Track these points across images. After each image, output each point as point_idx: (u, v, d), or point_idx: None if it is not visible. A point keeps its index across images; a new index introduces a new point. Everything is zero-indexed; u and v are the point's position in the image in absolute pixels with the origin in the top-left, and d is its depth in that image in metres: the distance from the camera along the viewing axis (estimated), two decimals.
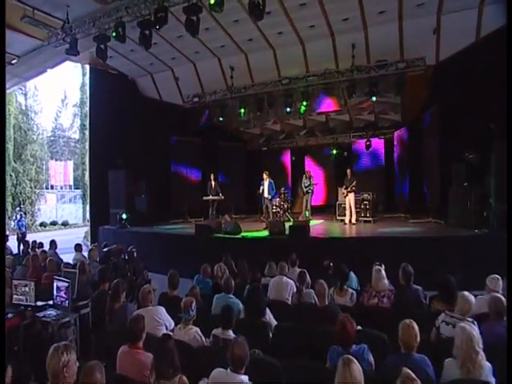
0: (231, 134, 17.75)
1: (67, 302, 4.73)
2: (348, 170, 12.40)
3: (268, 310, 4.24)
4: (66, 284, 4.69)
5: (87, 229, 17.63)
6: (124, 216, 12.71)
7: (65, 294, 4.71)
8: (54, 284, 4.88)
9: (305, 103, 12.61)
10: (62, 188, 37.40)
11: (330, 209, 16.68)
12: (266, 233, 10.36)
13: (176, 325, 4.04)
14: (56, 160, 39.91)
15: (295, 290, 5.27)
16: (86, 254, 8.15)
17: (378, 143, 16.67)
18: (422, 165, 12.69)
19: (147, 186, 13.87)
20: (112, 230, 12.73)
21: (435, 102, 11.34)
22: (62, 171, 38.43)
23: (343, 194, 12.22)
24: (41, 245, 8.96)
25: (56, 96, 48.01)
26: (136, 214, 13.34)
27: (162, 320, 4.03)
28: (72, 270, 5.36)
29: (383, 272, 4.65)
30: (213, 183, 13.30)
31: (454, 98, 10.03)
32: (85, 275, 5.76)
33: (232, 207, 15.15)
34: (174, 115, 14.72)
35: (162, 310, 4.13)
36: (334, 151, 17.39)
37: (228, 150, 17.87)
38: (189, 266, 9.47)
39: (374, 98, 11.78)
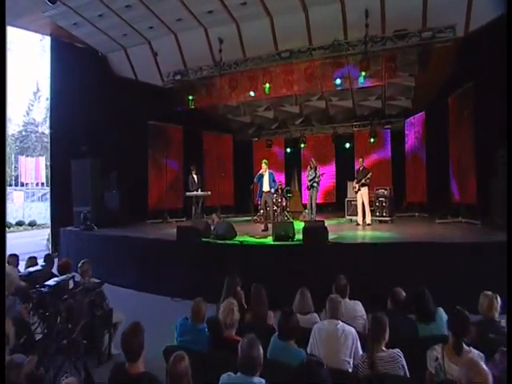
0: (218, 122, 15.75)
1: None
2: (360, 159, 10.48)
3: None
4: None
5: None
6: (90, 215, 10.46)
7: None
8: None
9: None
10: (35, 186, 34.83)
11: (328, 208, 15.04)
12: (268, 236, 8.14)
13: None
14: (27, 156, 37.85)
15: (360, 347, 2.99)
16: (41, 263, 5.85)
17: (384, 133, 14.82)
18: (446, 154, 10.71)
19: (119, 180, 11.67)
20: (74, 233, 10.48)
21: (468, 79, 9.45)
22: (33, 168, 36.41)
23: (354, 188, 10.23)
24: None
25: (28, 89, 45.63)
26: (105, 213, 11.16)
27: None
28: None
29: None
30: (194, 177, 11.60)
31: (494, 74, 8.20)
32: None
33: (219, 205, 13.19)
34: (152, 97, 12.57)
35: None
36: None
37: (214, 140, 15.87)
38: (168, 281, 7.48)
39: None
